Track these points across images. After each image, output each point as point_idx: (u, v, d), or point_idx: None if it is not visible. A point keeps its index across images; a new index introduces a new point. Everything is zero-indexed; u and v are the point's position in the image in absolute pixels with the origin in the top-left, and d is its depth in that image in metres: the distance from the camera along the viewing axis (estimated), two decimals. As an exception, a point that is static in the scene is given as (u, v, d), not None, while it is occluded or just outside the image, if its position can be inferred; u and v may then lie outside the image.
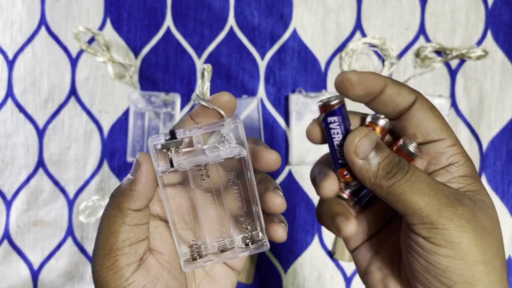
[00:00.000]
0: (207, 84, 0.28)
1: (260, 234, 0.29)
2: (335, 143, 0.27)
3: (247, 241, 0.29)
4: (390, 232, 0.29)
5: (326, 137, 0.28)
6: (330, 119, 0.27)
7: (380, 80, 0.26)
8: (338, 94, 0.27)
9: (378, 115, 0.28)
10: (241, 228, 0.30)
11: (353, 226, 0.27)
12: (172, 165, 0.27)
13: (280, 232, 0.28)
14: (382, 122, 0.27)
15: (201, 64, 0.61)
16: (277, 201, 0.27)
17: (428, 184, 0.24)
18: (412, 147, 0.26)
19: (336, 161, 0.27)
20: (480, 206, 0.24)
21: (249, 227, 0.29)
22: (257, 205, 0.28)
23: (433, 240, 0.23)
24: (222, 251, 0.29)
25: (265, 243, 0.29)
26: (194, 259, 0.29)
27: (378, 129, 0.28)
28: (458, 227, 0.23)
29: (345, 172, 0.27)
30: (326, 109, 0.27)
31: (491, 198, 0.25)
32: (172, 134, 0.27)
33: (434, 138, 0.26)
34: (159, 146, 0.27)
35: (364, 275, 0.29)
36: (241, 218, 0.30)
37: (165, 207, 0.28)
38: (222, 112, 0.27)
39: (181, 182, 0.29)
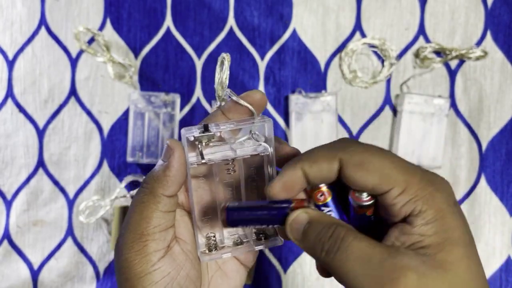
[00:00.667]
0: (227, 73, 0.28)
1: (273, 230, 0.30)
2: None
3: (260, 235, 0.30)
4: None
5: None
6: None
7: (297, 173, 0.25)
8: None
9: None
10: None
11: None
12: (202, 157, 0.28)
13: None
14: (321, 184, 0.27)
15: (201, 65, 0.61)
16: None
17: (361, 262, 0.22)
18: (363, 199, 0.25)
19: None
20: (438, 267, 0.21)
21: None
22: None
23: None
24: (236, 244, 0.30)
25: (279, 237, 0.30)
26: (210, 250, 0.29)
27: (323, 189, 0.27)
28: None
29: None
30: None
31: (466, 239, 0.23)
32: (206, 127, 0.27)
33: (378, 193, 0.24)
34: (192, 138, 0.27)
35: None
36: None
37: (190, 198, 0.29)
38: (253, 110, 0.28)
39: (204, 175, 0.30)
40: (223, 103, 0.28)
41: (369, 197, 0.25)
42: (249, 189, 0.30)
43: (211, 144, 0.28)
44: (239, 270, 0.31)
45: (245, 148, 0.28)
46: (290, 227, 0.25)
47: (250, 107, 0.28)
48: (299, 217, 0.25)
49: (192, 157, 0.28)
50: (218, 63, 0.28)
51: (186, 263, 0.28)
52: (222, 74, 0.28)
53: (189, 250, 0.28)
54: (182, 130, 0.27)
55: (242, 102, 0.28)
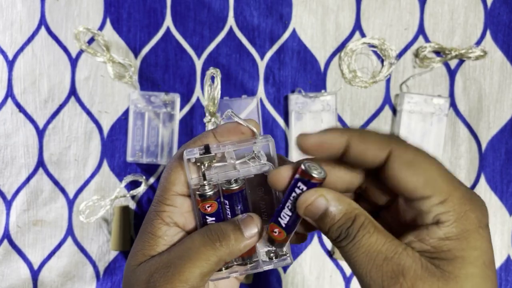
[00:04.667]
0: (218, 88, 0.28)
1: (285, 249, 0.30)
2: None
3: (271, 254, 0.30)
4: None
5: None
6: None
7: (341, 140, 0.24)
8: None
9: (311, 164, 0.25)
10: (265, 242, 0.30)
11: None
12: (204, 178, 0.28)
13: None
14: (315, 174, 0.25)
15: (201, 65, 0.61)
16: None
17: (368, 257, 0.23)
18: (315, 174, 0.24)
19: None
20: (439, 276, 0.22)
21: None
22: None
23: None
24: (246, 263, 0.30)
25: (288, 257, 0.30)
26: (219, 269, 0.29)
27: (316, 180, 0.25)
28: None
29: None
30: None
31: (485, 261, 0.22)
32: (207, 148, 0.27)
33: (417, 196, 0.23)
34: (193, 160, 0.27)
35: None
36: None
37: (196, 219, 0.29)
38: (255, 130, 0.28)
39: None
40: (213, 119, 0.29)
41: (321, 176, 0.24)
42: (259, 211, 0.30)
43: (214, 165, 0.28)
44: (234, 285, 0.32)
45: (250, 168, 0.28)
46: (305, 210, 0.25)
47: (251, 127, 0.28)
48: (317, 202, 0.24)
49: (195, 178, 0.28)
50: (207, 77, 0.28)
51: None
52: (213, 90, 0.28)
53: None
54: (184, 152, 0.27)
55: (243, 122, 0.28)
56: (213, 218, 0.29)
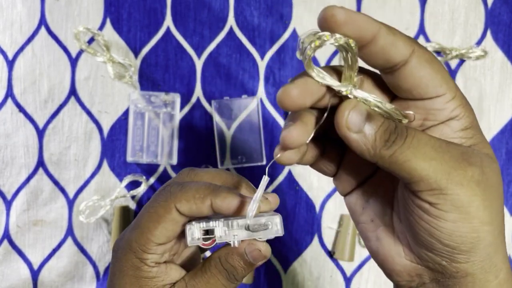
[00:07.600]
0: (259, 194, 0.27)
1: (263, 220, 0.30)
2: None
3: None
4: (378, 181, 0.28)
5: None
6: None
7: (373, 26, 0.22)
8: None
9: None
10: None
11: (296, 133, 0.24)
12: (205, 240, 0.28)
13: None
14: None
15: (201, 65, 0.61)
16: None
17: (433, 146, 0.22)
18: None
19: None
20: (487, 161, 0.23)
21: None
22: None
23: (440, 206, 0.22)
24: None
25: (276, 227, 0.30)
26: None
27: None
28: (468, 191, 0.21)
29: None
30: None
31: (491, 148, 0.25)
32: (211, 231, 0.28)
33: (432, 95, 0.24)
34: (194, 237, 0.28)
35: (357, 224, 0.28)
36: None
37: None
38: (280, 231, 0.28)
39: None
40: (249, 221, 0.28)
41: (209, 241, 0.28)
42: None
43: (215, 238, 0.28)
44: (196, 256, 0.33)
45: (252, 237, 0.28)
46: (350, 116, 0.23)
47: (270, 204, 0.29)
48: (360, 106, 0.23)
49: (194, 239, 0.28)
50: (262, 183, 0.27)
51: None
52: (256, 194, 0.27)
53: None
54: (187, 233, 0.27)
55: (266, 223, 0.28)
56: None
